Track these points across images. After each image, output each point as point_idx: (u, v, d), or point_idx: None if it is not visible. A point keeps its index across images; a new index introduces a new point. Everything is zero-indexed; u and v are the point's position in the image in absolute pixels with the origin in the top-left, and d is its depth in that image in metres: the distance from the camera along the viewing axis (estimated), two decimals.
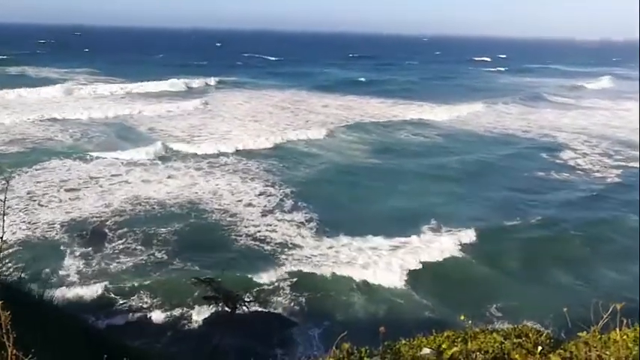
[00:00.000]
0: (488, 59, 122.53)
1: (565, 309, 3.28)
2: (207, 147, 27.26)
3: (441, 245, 15.96)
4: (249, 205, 19.56)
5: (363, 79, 66.25)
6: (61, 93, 43.38)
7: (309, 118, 38.33)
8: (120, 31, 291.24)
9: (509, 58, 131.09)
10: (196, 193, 20.68)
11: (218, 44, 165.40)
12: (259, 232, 16.99)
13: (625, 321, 2.87)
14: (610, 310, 2.98)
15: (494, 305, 13.20)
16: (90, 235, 16.15)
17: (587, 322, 3.14)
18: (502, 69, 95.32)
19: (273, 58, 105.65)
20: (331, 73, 76.20)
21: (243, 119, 36.86)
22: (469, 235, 16.69)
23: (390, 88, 57.58)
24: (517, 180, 24.50)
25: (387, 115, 40.98)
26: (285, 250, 15.67)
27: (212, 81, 56.57)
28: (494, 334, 3.37)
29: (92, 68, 67.28)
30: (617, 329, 2.71)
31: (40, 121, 32.30)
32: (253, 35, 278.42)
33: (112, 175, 22.23)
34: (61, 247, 15.20)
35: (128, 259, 14.75)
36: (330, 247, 15.83)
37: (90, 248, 15.17)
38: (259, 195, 20.65)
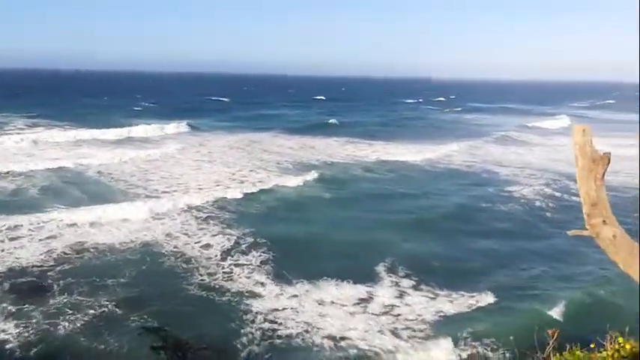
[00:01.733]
0: (443, 99, 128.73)
1: (511, 337, 3.29)
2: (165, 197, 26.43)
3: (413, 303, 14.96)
4: (207, 246, 19.12)
5: (333, 121, 65.66)
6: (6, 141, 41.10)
7: (279, 159, 38.04)
8: (54, 73, 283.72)
9: (460, 98, 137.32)
10: (151, 236, 19.99)
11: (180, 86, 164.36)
12: (215, 277, 16.45)
13: (568, 346, 2.92)
14: (555, 337, 3.02)
15: None
16: (30, 288, 15.08)
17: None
18: (457, 108, 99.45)
19: (227, 99, 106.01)
20: (297, 114, 76.67)
21: (206, 162, 36.37)
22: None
23: (358, 130, 57.60)
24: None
25: (355, 155, 41.05)
26: (244, 299, 14.99)
27: (176, 125, 54.24)
28: None
29: (29, 112, 63.46)
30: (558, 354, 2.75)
31: None
32: (201, 78, 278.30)
33: (64, 223, 21.02)
34: None
35: (73, 314, 13.65)
36: (294, 297, 15.20)
37: (30, 305, 13.96)
38: (214, 236, 20.28)
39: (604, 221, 3.72)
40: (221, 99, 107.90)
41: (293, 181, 30.04)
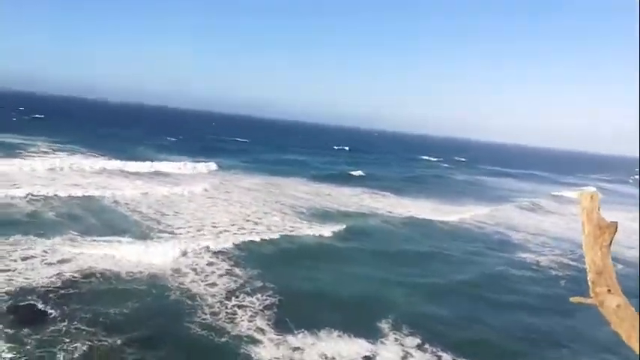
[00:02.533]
0: (464, 160, 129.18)
1: None
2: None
3: None
4: (213, 284, 18.98)
5: (359, 172, 64.59)
6: (37, 166, 41.61)
7: (293, 203, 38.38)
8: (80, 101, 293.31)
9: (481, 160, 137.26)
10: (158, 269, 19.95)
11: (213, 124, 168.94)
12: (218, 317, 16.22)
13: None
14: None
15: None
16: (32, 311, 15.03)
17: None
18: (478, 170, 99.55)
19: (247, 141, 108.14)
20: (318, 162, 77.11)
21: (224, 201, 36.71)
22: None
23: (382, 183, 56.97)
24: None
25: (372, 207, 40.98)
26: (243, 344, 14.64)
27: (202, 164, 53.57)
28: None
29: (52, 137, 64.21)
30: None
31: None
32: (223, 118, 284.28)
33: (77, 249, 21.17)
34: None
35: (70, 344, 13.40)
36: (297, 349, 14.70)
37: (28, 329, 13.78)
38: (222, 275, 20.14)
39: (609, 290, 3.63)
40: (242, 140, 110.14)
41: (308, 230, 29.97)
